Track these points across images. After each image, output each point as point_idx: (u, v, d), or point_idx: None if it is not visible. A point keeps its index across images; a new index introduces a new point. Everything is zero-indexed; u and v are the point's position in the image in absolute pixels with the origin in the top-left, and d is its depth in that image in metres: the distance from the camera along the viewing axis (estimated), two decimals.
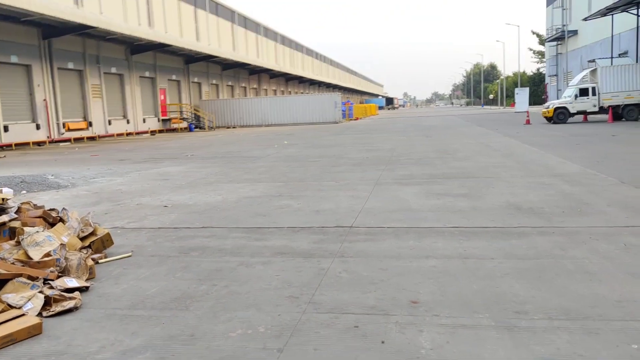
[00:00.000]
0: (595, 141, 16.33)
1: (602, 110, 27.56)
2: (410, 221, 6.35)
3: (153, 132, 36.95)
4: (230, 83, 52.23)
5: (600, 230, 5.48)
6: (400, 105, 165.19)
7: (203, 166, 13.95)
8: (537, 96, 72.44)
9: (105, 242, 5.33)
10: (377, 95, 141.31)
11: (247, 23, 56.88)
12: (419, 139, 21.02)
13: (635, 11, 31.91)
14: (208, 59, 43.28)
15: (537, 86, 76.02)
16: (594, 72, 28.55)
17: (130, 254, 5.33)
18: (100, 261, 5.04)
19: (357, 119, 54.02)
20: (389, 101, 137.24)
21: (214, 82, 48.71)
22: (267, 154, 16.80)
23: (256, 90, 59.63)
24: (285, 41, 71.09)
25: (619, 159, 11.48)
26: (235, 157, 16.21)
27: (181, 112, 41.08)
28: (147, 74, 37.38)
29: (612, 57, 35.07)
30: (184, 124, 40.91)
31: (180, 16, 41.86)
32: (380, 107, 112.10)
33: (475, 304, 3.65)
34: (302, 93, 71.59)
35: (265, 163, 14.12)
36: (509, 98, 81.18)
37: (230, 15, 52.24)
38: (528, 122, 28.93)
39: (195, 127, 41.71)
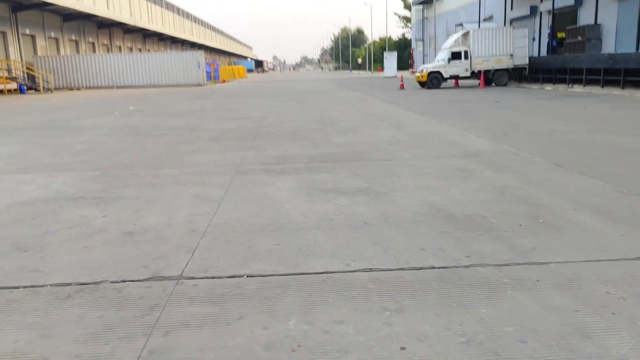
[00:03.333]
0: (483, 108, 14.93)
1: (473, 75, 27.09)
2: (288, 256, 3.64)
3: None
4: (74, 37, 45.04)
5: (609, 271, 3.22)
6: (270, 69, 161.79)
7: None
8: (403, 61, 73.47)
9: None
10: (246, 58, 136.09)
11: None
12: (292, 105, 18.38)
13: None
14: (43, 7, 36.22)
15: (402, 51, 77.11)
16: (465, 35, 27.91)
17: None
18: None
19: (223, 81, 50.01)
20: (259, 64, 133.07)
21: (53, 35, 41.46)
22: (100, 124, 13.02)
23: (107, 47, 52.57)
24: None
25: (525, 131, 9.81)
26: (56, 129, 12.27)
27: (8, 70, 34.09)
28: None
29: (479, 21, 35.22)
30: (13, 85, 34.01)
31: None
32: (250, 70, 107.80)
33: None
34: (162, 52, 65.06)
35: (90, 137, 10.51)
36: (377, 63, 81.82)
37: None
38: (402, 87, 27.69)
39: (29, 89, 35.03)
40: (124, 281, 3.26)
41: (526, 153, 7.36)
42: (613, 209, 4.53)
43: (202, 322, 2.72)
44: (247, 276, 3.29)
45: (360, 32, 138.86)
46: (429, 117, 12.77)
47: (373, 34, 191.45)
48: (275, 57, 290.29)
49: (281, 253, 3.69)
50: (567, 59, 24.01)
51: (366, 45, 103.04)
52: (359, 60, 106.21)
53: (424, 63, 46.35)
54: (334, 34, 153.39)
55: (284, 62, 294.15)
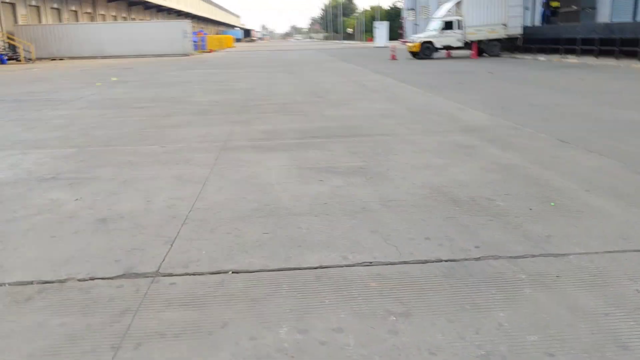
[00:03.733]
0: (478, 80, 14.50)
1: (466, 45, 26.50)
2: (278, 247, 3.27)
3: None
4: (55, 6, 43.51)
5: (636, 265, 2.90)
6: (258, 38, 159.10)
7: None
8: (394, 31, 72.20)
9: None
10: (233, 27, 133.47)
11: None
12: (282, 76, 17.80)
13: None
14: None
15: (393, 21, 75.69)
16: (458, 4, 27.21)
17: None
18: None
19: (211, 51, 48.87)
20: (247, 33, 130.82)
21: (34, 3, 40.00)
22: (80, 96, 12.45)
23: (91, 15, 50.95)
24: None
25: (524, 104, 9.43)
26: (33, 101, 11.69)
27: None
28: None
29: None
30: None
31: None
32: (238, 40, 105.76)
33: None
34: (148, 20, 63.30)
35: (69, 111, 9.98)
36: (367, 32, 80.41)
37: None
38: (394, 57, 27.09)
39: (10, 59, 33.88)
40: (92, 279, 2.89)
41: (528, 128, 7.00)
42: (629, 190, 4.21)
43: (180, 331, 2.36)
44: (232, 272, 2.93)
45: (350, 0, 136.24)
46: (424, 88, 12.34)
47: (363, 3, 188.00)
48: (264, 27, 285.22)
49: (271, 244, 3.33)
50: (561, 29, 23.49)
51: (356, 15, 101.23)
52: (349, 30, 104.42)
53: (415, 33, 45.45)
54: (324, 3, 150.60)
55: (273, 31, 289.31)
